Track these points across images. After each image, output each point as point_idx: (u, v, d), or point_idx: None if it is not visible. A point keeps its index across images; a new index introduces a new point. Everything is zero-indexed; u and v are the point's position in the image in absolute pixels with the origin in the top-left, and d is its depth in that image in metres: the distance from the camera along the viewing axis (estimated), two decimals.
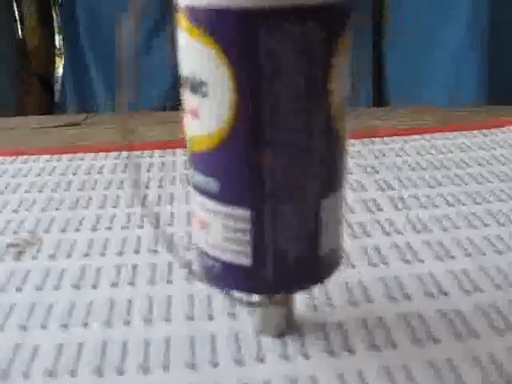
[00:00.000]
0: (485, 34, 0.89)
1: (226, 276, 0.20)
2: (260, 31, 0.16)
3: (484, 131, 0.48)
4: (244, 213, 0.18)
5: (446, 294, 0.26)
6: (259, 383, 0.21)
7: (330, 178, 0.19)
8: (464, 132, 0.48)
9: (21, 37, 1.06)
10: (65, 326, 0.25)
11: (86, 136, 0.52)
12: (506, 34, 0.89)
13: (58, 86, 1.10)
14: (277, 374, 0.22)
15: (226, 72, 0.17)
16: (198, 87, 0.17)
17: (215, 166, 0.18)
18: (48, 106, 1.09)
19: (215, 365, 0.22)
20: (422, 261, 0.29)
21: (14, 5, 1.05)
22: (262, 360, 0.22)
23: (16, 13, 1.06)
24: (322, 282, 0.21)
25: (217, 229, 0.19)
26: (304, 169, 0.18)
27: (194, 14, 0.17)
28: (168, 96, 0.95)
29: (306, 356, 0.23)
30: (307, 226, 0.19)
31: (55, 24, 1.10)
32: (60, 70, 1.11)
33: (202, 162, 0.19)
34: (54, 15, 1.09)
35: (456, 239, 0.31)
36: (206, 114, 0.18)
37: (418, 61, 0.97)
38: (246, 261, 0.19)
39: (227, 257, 0.19)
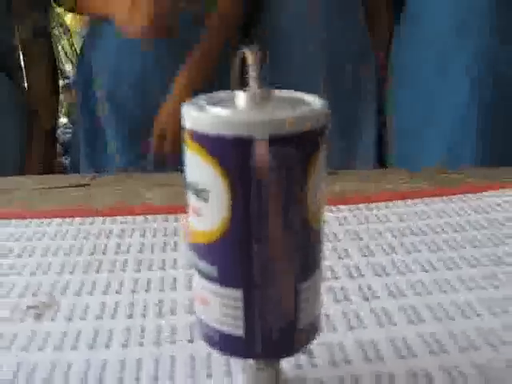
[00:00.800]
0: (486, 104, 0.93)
1: (223, 343, 0.24)
2: (249, 154, 0.20)
3: (461, 196, 0.52)
4: (237, 294, 0.22)
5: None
6: None
7: (307, 265, 0.23)
8: (444, 198, 0.52)
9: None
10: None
11: (93, 197, 0.57)
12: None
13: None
14: None
15: (222, 184, 0.21)
16: (200, 193, 0.22)
17: (214, 256, 0.22)
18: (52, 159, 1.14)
19: None
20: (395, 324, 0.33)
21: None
22: None
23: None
24: (302, 350, 0.25)
25: (215, 305, 0.23)
26: (284, 259, 0.22)
27: (196, 136, 0.21)
28: None
29: None
30: (288, 305, 0.23)
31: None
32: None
33: (204, 252, 0.23)
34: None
35: (428, 304, 0.35)
36: (207, 215, 0.22)
37: (420, 124, 1.02)
38: (239, 332, 0.23)
39: (224, 328, 0.23)
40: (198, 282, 0.24)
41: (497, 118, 0.93)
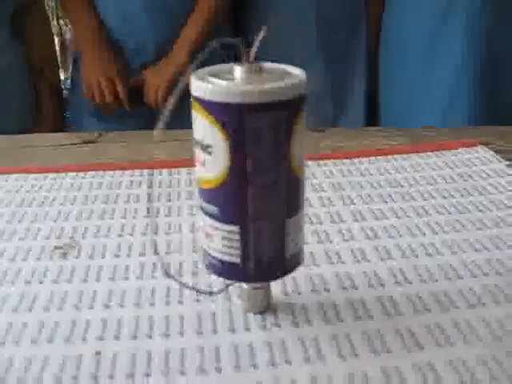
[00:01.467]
0: (477, 68, 0.97)
1: (223, 270, 0.30)
2: (246, 117, 0.26)
3: (437, 153, 0.58)
4: (235, 228, 0.28)
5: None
6: (246, 345, 0.31)
7: (292, 205, 0.29)
8: (421, 153, 0.58)
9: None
10: (108, 306, 0.34)
11: (102, 153, 0.62)
12: (500, 67, 0.98)
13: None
14: (258, 338, 0.31)
15: (224, 141, 0.26)
16: (205, 148, 0.27)
17: (216, 199, 0.28)
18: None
19: (214, 332, 0.32)
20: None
21: None
22: (248, 329, 0.32)
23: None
24: (288, 275, 0.30)
25: (217, 238, 0.29)
26: (274, 200, 0.28)
27: (201, 101, 0.27)
28: None
29: (279, 326, 0.32)
30: (277, 238, 0.29)
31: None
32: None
33: (208, 195, 0.28)
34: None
35: (398, 245, 0.41)
36: (211, 166, 0.27)
37: (412, 87, 1.06)
38: (236, 260, 0.29)
39: (224, 257, 0.29)
40: (202, 218, 0.30)
41: (488, 80, 0.97)
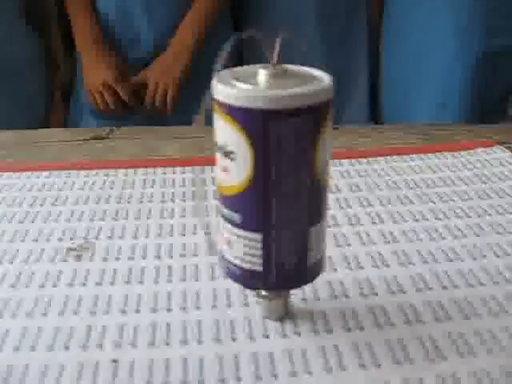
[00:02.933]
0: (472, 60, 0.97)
1: (243, 277, 0.29)
2: (270, 123, 0.25)
3: (454, 153, 0.57)
4: (257, 236, 0.27)
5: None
6: (265, 353, 0.30)
7: (315, 213, 0.28)
8: (437, 154, 0.57)
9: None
10: (124, 311, 0.34)
11: (114, 149, 0.61)
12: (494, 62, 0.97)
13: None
14: (277, 347, 0.31)
15: (248, 147, 0.26)
16: (228, 154, 0.26)
17: (238, 206, 0.27)
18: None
19: (234, 339, 0.31)
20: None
21: None
22: (267, 337, 0.31)
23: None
24: (309, 283, 0.30)
25: (238, 246, 0.28)
26: (297, 208, 0.27)
27: (225, 106, 0.26)
28: None
29: (298, 334, 0.32)
30: (299, 246, 0.28)
31: None
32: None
33: (229, 202, 0.28)
34: None
35: (417, 249, 0.40)
36: (234, 172, 0.27)
37: (409, 78, 1.06)
38: (258, 268, 0.28)
39: (245, 265, 0.28)
40: (223, 225, 0.29)
41: (481, 77, 0.97)
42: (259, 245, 0.28)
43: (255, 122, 0.25)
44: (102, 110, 1.09)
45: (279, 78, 0.26)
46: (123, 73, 1.09)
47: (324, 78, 0.27)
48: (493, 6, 0.94)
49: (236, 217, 0.28)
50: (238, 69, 0.28)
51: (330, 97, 0.26)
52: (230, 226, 0.28)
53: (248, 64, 0.28)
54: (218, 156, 0.28)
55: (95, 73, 1.07)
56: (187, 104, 1.07)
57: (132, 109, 1.11)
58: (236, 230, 0.28)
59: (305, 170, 0.26)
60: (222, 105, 0.26)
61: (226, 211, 0.28)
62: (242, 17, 1.20)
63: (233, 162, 0.26)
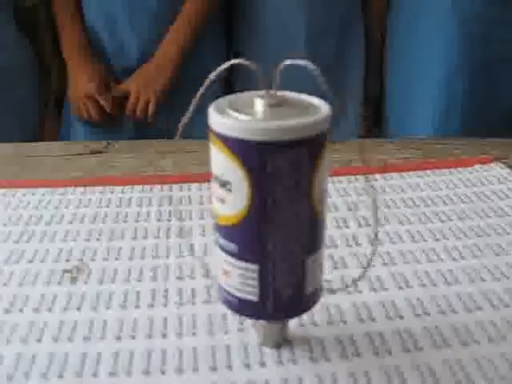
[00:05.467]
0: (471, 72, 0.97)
1: (240, 307, 0.29)
2: (266, 154, 0.25)
3: (452, 170, 0.57)
4: (253, 267, 0.27)
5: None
6: (261, 382, 0.30)
7: (312, 243, 0.28)
8: (436, 171, 0.56)
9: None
10: (119, 337, 0.33)
11: (110, 163, 0.61)
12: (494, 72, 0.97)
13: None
14: (274, 375, 0.30)
15: (244, 179, 0.25)
16: (224, 184, 0.26)
17: (235, 236, 0.27)
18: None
19: (229, 368, 0.31)
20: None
21: None
22: (263, 364, 0.31)
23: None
24: (306, 312, 0.29)
25: (235, 276, 0.28)
26: (294, 239, 0.27)
27: (221, 136, 0.26)
28: None
29: (295, 362, 0.31)
30: (296, 276, 0.28)
31: None
32: None
33: (225, 232, 0.27)
34: None
35: (415, 272, 0.40)
36: (230, 203, 0.26)
37: (412, 89, 1.06)
38: (254, 298, 0.28)
39: (242, 295, 0.28)
40: (220, 255, 0.29)
41: (482, 86, 0.97)
42: (255, 275, 0.27)
43: (252, 154, 0.25)
44: (87, 121, 1.10)
45: (276, 108, 0.26)
46: (107, 84, 1.09)
47: (322, 107, 0.26)
48: (495, 16, 0.94)
49: (232, 246, 0.27)
50: (235, 96, 0.28)
51: (327, 127, 0.26)
52: (226, 255, 0.28)
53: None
54: (214, 185, 0.27)
55: (78, 85, 1.08)
56: (176, 113, 1.08)
57: (118, 120, 1.11)
58: (232, 260, 0.28)
59: (302, 201, 0.26)
60: (219, 136, 0.26)
61: (222, 241, 0.28)
62: (232, 31, 1.20)
63: (229, 193, 0.26)
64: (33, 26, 1.15)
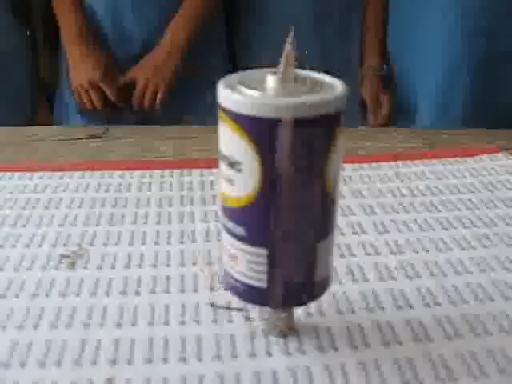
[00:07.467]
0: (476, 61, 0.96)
1: (247, 294, 0.27)
2: (279, 133, 0.23)
3: (459, 159, 0.55)
4: (262, 251, 0.26)
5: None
6: (267, 372, 0.29)
7: (324, 227, 0.26)
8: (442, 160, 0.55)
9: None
10: (119, 324, 0.32)
11: (108, 149, 0.60)
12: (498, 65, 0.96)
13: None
14: (281, 365, 0.29)
15: (255, 158, 0.24)
16: (234, 164, 0.25)
17: (243, 219, 0.26)
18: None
19: (234, 356, 0.30)
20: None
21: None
22: (270, 354, 0.30)
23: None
24: (315, 300, 0.28)
25: (242, 261, 0.27)
26: (305, 223, 0.25)
27: (232, 114, 0.24)
28: None
29: (302, 352, 0.30)
30: (306, 262, 0.26)
31: None
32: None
33: (234, 215, 0.26)
34: None
35: (424, 261, 0.39)
36: (239, 184, 0.25)
37: (415, 80, 1.04)
38: (262, 284, 0.27)
39: (249, 281, 0.27)
40: (227, 239, 0.27)
41: (484, 80, 0.96)
42: (264, 260, 0.26)
43: (263, 132, 0.24)
44: (88, 109, 1.07)
45: (289, 84, 0.25)
46: (110, 72, 1.07)
47: (337, 85, 0.25)
48: (499, 8, 0.93)
49: (240, 230, 0.26)
50: (245, 73, 0.26)
51: (343, 106, 0.24)
52: (233, 239, 0.27)
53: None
54: (222, 166, 0.26)
55: (81, 72, 1.05)
56: (177, 103, 1.06)
57: (119, 109, 1.09)
58: (240, 245, 0.26)
59: (315, 184, 0.25)
60: (229, 112, 0.24)
61: (229, 224, 0.27)
62: (235, 17, 1.18)
63: (239, 174, 0.25)
64: (27, 13, 1.13)
